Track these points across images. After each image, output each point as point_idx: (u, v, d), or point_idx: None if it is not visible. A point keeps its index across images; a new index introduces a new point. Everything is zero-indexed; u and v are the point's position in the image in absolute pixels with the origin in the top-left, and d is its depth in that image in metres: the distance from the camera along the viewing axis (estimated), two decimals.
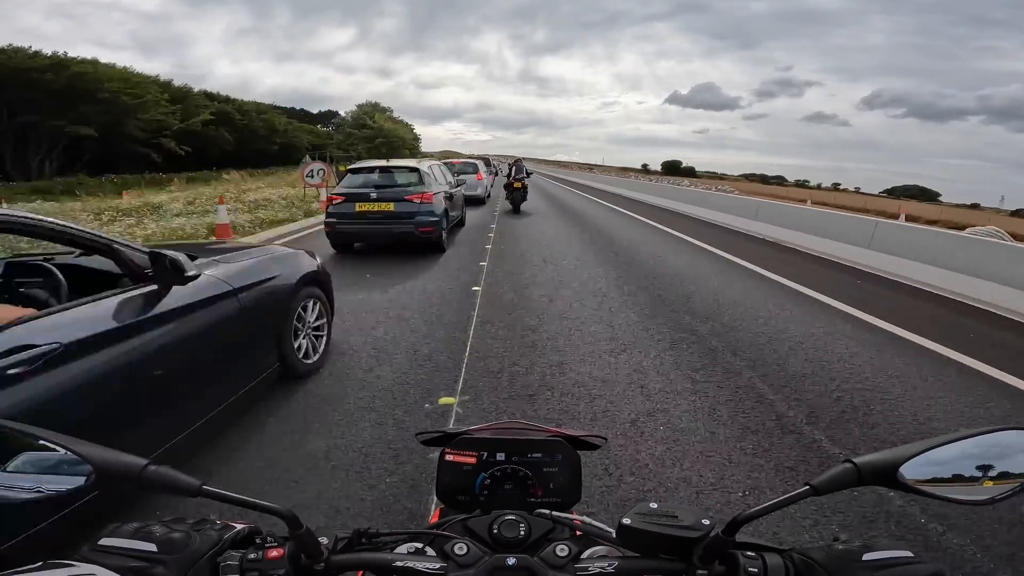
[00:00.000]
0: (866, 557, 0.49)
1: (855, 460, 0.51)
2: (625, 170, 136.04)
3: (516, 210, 12.98)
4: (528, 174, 13.32)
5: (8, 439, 0.51)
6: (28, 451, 0.50)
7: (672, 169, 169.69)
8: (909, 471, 0.50)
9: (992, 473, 0.50)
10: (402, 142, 56.81)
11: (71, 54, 29.26)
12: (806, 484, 0.51)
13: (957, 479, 0.51)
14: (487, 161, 22.18)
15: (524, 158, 24.96)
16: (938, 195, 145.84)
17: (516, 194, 12.98)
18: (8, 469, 0.50)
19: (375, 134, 53.89)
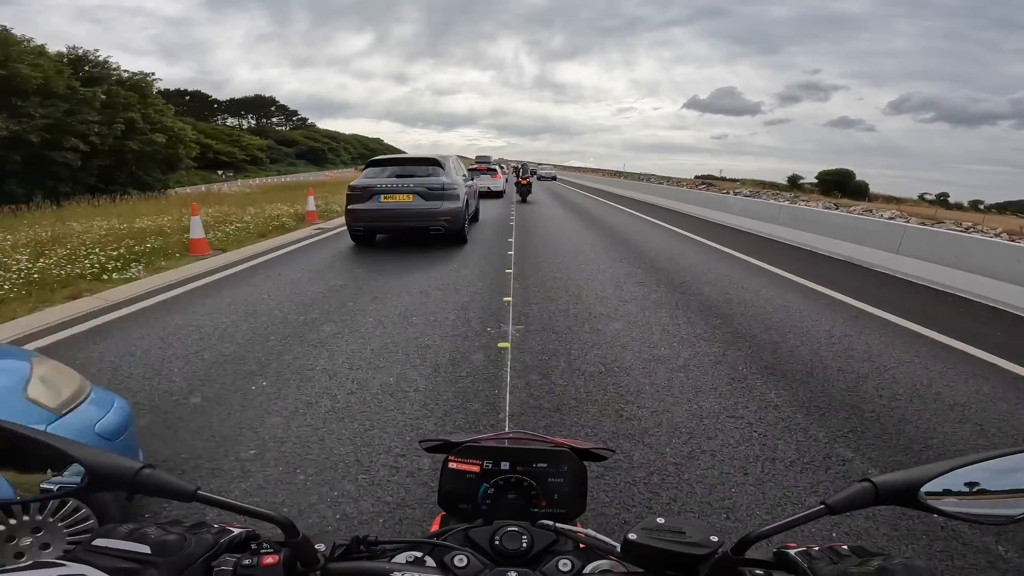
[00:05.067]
0: None
1: (873, 479, 0.51)
2: (762, 185, 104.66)
3: (524, 200, 18.43)
4: (532, 173, 18.70)
5: (1, 438, 0.50)
6: (19, 450, 0.50)
7: (835, 184, 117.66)
8: (930, 491, 0.51)
9: (1014, 493, 0.51)
10: None
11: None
12: (821, 503, 0.51)
13: (978, 499, 0.51)
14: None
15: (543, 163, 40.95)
16: None
17: (523, 188, 18.44)
18: (0, 468, 0.51)
19: None
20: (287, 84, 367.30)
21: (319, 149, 77.39)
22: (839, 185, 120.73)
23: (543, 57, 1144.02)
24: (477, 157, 24.20)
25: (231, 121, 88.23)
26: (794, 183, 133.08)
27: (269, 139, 72.65)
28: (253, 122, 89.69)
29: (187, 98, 78.78)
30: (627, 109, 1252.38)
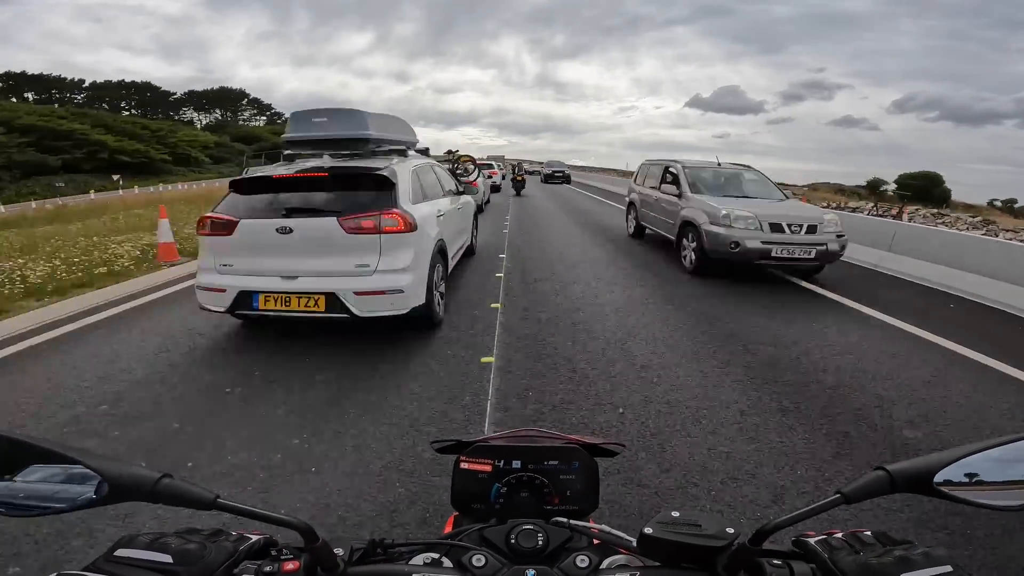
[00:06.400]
0: None
1: (888, 467, 0.51)
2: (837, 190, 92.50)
3: (518, 193, 21.53)
4: (527, 171, 21.98)
5: (22, 451, 0.50)
6: (42, 463, 0.51)
7: (919, 190, 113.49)
8: (944, 478, 0.51)
9: None
10: None
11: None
12: (837, 492, 0.51)
13: (992, 485, 0.51)
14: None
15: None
16: None
17: (518, 184, 22.00)
18: (22, 481, 0.50)
19: None
20: (288, 83, 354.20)
21: (283, 145, 61.55)
22: (924, 191, 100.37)
23: (545, 56, 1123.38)
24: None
25: (196, 117, 74.34)
26: (875, 189, 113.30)
27: (223, 135, 57.59)
28: (219, 117, 75.45)
29: (132, 91, 64.80)
30: (629, 108, 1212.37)
